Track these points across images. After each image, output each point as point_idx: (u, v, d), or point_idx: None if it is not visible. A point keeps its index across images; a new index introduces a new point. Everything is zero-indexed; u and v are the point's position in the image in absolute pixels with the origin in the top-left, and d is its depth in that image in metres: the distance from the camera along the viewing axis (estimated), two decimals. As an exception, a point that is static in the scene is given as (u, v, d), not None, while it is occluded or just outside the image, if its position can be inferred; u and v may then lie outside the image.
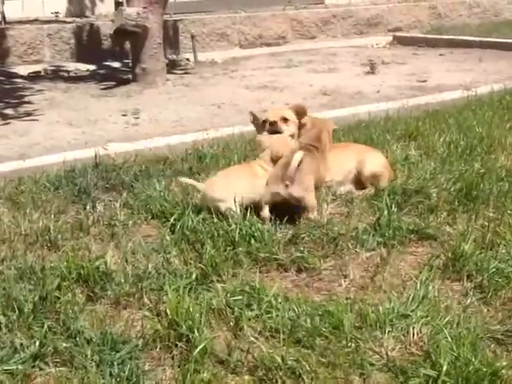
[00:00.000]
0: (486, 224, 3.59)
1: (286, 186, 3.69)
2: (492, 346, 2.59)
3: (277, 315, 2.74)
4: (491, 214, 3.75)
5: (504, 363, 2.42)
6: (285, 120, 4.17)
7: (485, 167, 4.38)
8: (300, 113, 4.25)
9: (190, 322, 2.65)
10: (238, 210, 3.66)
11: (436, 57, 10.40)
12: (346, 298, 2.93)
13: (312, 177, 3.80)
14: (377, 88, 7.93)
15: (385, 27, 12.91)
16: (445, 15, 13.69)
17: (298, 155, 3.73)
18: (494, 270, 3.08)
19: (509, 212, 3.74)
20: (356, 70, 9.35)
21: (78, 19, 10.76)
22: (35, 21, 10.46)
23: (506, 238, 3.42)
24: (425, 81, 8.33)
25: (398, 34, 12.57)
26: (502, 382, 2.37)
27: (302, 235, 3.50)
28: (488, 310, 2.86)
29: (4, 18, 10.29)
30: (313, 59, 10.33)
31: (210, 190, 3.75)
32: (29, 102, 7.56)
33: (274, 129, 4.14)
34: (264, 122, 4.20)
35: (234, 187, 3.74)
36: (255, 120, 4.34)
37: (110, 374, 2.41)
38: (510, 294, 2.94)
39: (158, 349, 2.61)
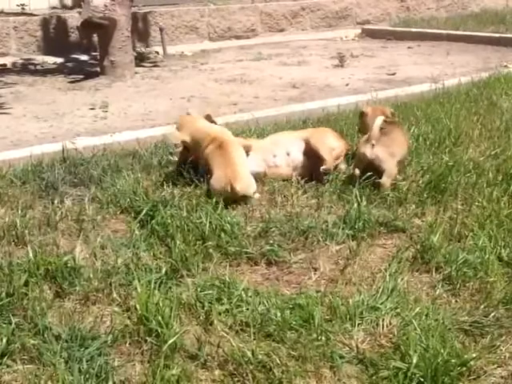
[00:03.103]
0: (454, 216, 3.62)
1: (372, 145, 3.90)
2: (460, 337, 2.61)
3: (247, 309, 2.75)
4: (459, 206, 3.79)
5: (472, 354, 2.45)
6: None
7: (453, 159, 4.41)
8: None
9: (160, 317, 2.63)
10: None
11: (404, 49, 10.45)
12: (316, 291, 2.94)
13: (396, 146, 4.01)
14: (346, 81, 7.95)
15: (353, 20, 12.94)
16: (413, 8, 13.76)
17: (379, 120, 3.98)
18: (462, 261, 3.11)
19: (476, 204, 3.78)
20: (325, 62, 9.36)
21: (45, 10, 10.60)
22: (0, 13, 10.29)
23: (473, 230, 3.45)
24: (393, 73, 8.36)
25: (367, 26, 12.60)
26: (470, 372, 2.40)
27: (272, 228, 3.50)
28: (456, 301, 2.89)
29: (-32, 10, 10.12)
30: (282, 52, 10.32)
31: None
32: (-5, 96, 7.45)
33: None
34: None
35: None
36: None
37: (79, 371, 2.38)
38: (478, 285, 2.97)
39: (127, 344, 2.59)
